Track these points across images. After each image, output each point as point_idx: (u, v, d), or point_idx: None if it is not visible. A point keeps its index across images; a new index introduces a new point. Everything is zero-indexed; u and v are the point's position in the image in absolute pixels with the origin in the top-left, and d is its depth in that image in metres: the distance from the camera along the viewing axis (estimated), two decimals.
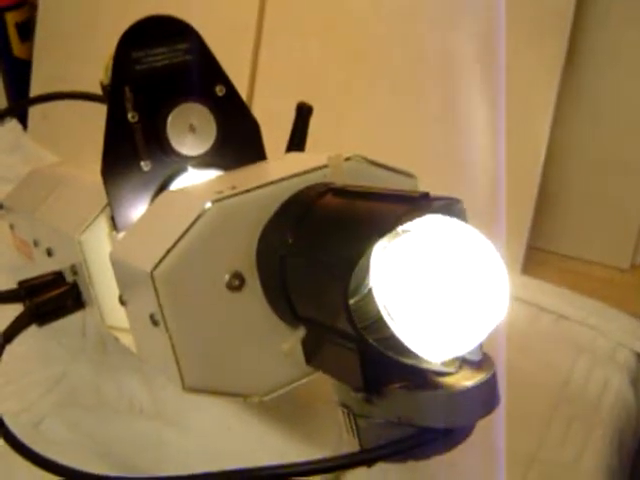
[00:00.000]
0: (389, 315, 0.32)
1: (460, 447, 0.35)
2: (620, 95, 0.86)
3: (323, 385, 0.41)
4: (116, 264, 0.42)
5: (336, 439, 0.51)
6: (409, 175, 0.44)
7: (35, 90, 1.21)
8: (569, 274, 0.87)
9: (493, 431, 0.40)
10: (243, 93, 0.50)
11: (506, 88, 0.83)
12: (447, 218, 0.33)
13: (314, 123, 0.57)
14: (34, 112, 1.21)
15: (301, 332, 0.38)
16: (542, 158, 0.83)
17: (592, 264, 0.90)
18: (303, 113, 0.57)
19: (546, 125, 0.83)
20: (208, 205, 0.37)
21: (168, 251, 0.36)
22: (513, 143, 0.84)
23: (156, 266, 0.36)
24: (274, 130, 0.54)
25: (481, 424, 0.34)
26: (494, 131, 0.82)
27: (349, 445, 0.38)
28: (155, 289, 0.37)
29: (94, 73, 0.52)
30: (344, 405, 0.37)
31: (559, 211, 0.91)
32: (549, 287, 0.79)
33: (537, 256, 0.89)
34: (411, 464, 0.36)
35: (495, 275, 0.34)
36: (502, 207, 0.78)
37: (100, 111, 0.50)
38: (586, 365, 0.67)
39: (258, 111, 0.52)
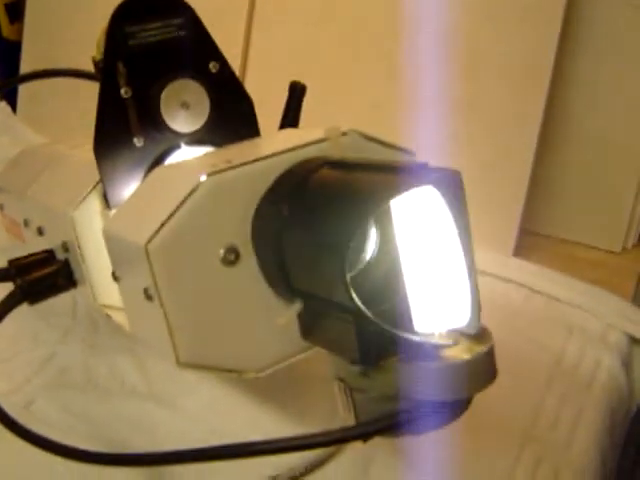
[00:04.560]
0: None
1: None
2: (616, 79, 0.86)
3: (315, 364, 0.41)
4: (109, 239, 0.41)
5: (329, 418, 0.51)
6: (407, 151, 0.43)
7: (25, 71, 1.20)
8: (561, 256, 0.87)
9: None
10: (235, 72, 0.50)
11: (499, 70, 0.83)
12: (436, 192, 0.33)
13: (306, 104, 0.56)
14: (23, 94, 1.20)
15: (297, 306, 0.38)
16: (535, 141, 0.83)
17: (584, 247, 0.90)
18: (297, 92, 0.56)
19: (539, 108, 0.83)
20: (203, 178, 0.36)
21: (162, 225, 0.36)
22: (506, 125, 0.84)
23: (150, 239, 0.36)
24: (267, 110, 0.53)
25: None
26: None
27: (343, 423, 0.38)
28: (149, 263, 0.36)
29: (85, 54, 0.51)
30: (340, 379, 0.37)
31: (551, 194, 0.91)
32: (541, 269, 0.80)
33: (529, 238, 0.89)
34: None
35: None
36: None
37: (91, 91, 0.50)
38: (578, 346, 0.67)
39: (250, 91, 0.52)
